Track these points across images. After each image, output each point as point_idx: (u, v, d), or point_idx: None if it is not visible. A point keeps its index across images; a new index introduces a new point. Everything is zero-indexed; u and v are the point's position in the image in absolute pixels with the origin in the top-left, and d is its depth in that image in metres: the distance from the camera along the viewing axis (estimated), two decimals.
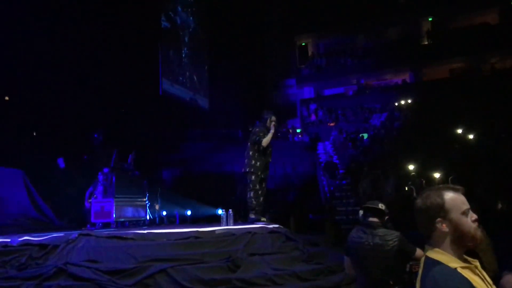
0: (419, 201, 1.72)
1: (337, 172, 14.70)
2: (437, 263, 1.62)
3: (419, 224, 1.73)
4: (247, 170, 7.28)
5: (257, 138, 7.23)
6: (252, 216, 7.18)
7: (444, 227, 1.65)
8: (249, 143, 7.40)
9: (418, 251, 3.29)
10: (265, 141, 7.22)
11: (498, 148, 12.45)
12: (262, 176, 7.39)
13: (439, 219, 1.65)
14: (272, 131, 7.29)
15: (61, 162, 9.65)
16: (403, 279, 3.25)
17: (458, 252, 1.65)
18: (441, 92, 19.46)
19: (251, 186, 7.29)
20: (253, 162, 7.26)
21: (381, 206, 3.48)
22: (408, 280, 3.22)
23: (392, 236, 3.31)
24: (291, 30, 27.60)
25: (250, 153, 7.30)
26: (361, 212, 3.66)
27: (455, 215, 1.65)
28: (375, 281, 3.27)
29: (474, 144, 13.75)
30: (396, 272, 3.27)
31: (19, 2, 11.09)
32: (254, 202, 7.26)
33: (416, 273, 3.18)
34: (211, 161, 18.30)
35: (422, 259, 1.71)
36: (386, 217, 3.52)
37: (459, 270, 1.58)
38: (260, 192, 7.33)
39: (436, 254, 1.65)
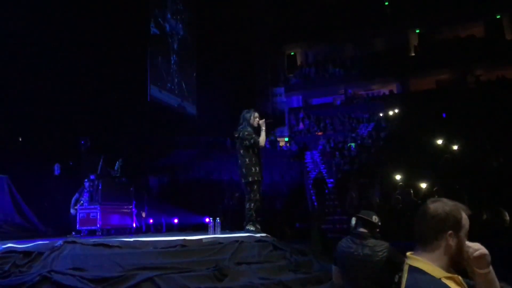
0: (433, 207, 1.70)
1: (326, 187, 14.46)
2: (422, 272, 1.63)
3: (424, 230, 1.71)
4: (250, 179, 6.60)
5: (252, 140, 6.60)
6: (251, 228, 6.63)
7: (450, 241, 1.66)
8: (241, 151, 6.71)
9: None
10: (262, 140, 6.65)
11: (483, 159, 12.62)
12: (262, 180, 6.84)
13: (451, 232, 1.67)
14: (263, 128, 6.72)
15: (57, 168, 9.53)
16: None
17: (448, 265, 1.67)
18: (428, 103, 19.72)
19: (251, 196, 6.68)
20: (253, 169, 6.62)
21: (375, 218, 3.49)
22: None
23: (381, 247, 3.32)
24: (280, 39, 27.81)
25: (246, 160, 6.64)
26: (353, 220, 3.65)
27: (463, 233, 1.69)
28: None
29: (459, 154, 13.92)
30: (384, 283, 3.29)
31: (6, 9, 11.00)
32: (254, 214, 6.70)
33: None
34: (198, 168, 18.28)
35: (406, 268, 1.72)
36: (377, 230, 3.52)
37: (444, 280, 1.60)
38: (257, 201, 6.78)
39: (421, 263, 1.66)
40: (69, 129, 11.84)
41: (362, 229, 3.47)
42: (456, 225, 1.67)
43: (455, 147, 14.42)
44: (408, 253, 1.76)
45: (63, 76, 12.74)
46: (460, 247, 1.67)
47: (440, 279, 1.60)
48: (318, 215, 12.06)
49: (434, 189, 10.01)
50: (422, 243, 1.71)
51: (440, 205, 1.71)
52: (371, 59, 25.81)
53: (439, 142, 15.17)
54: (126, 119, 15.62)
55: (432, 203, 1.73)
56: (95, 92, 13.81)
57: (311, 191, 14.41)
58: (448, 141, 14.95)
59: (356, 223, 3.57)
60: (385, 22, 25.15)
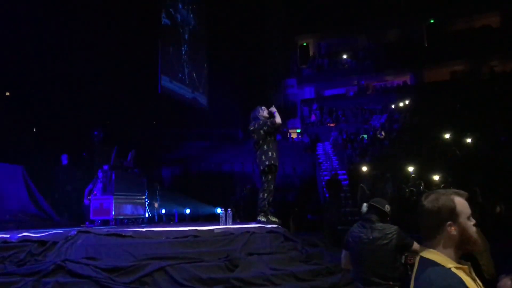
0: (427, 203, 1.72)
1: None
2: (432, 263, 1.64)
3: (425, 226, 1.73)
4: (267, 163, 6.73)
5: (269, 122, 6.80)
6: (262, 219, 6.72)
7: (452, 230, 1.67)
8: (260, 141, 6.86)
9: (415, 244, 3.35)
10: (277, 119, 6.85)
11: (497, 151, 12.47)
12: (277, 170, 6.95)
13: (449, 222, 1.67)
14: (275, 110, 6.90)
15: (64, 159, 9.64)
16: (398, 271, 3.30)
17: (457, 255, 1.68)
18: (441, 94, 19.48)
19: (265, 186, 6.82)
20: (270, 154, 6.77)
21: (387, 208, 3.52)
22: (403, 271, 3.26)
23: (390, 230, 3.37)
24: (292, 30, 27.62)
25: (265, 147, 6.80)
26: (364, 206, 3.67)
27: (463, 219, 1.68)
28: (372, 275, 3.31)
29: (473, 147, 13.77)
30: (392, 265, 3.33)
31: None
32: (266, 205, 6.80)
33: (411, 264, 3.22)
34: (210, 160, 18.35)
35: (417, 259, 1.73)
36: (388, 219, 3.53)
37: (453, 270, 1.61)
38: (272, 192, 6.87)
39: (431, 255, 1.67)
40: (83, 120, 11.95)
41: (372, 215, 3.50)
42: (451, 214, 1.68)
43: (469, 140, 14.25)
44: (422, 246, 1.77)
45: (76, 68, 12.82)
46: (465, 233, 1.67)
47: (449, 269, 1.61)
48: (329, 207, 11.99)
49: (442, 186, 9.90)
50: (427, 239, 1.73)
51: (431, 199, 1.72)
52: (385, 50, 25.53)
53: (453, 134, 15.00)
54: (139, 110, 15.69)
55: (425, 200, 1.74)
56: (108, 83, 13.88)
57: (325, 191, 14.03)
58: (462, 133, 14.78)
59: (368, 210, 3.59)
60: (399, 12, 24.80)
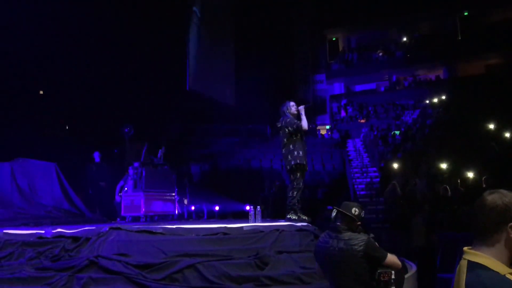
0: (493, 198, 1.61)
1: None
2: (484, 267, 1.54)
3: (483, 221, 1.61)
4: (292, 163, 6.58)
5: (294, 126, 6.60)
6: (293, 217, 6.59)
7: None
8: (285, 139, 6.72)
9: (390, 258, 3.06)
10: (304, 123, 6.67)
11: None
12: (306, 168, 6.82)
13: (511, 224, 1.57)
14: (302, 113, 6.72)
15: (96, 156, 9.81)
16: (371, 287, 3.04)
17: (508, 261, 1.58)
18: (476, 88, 18.91)
19: (295, 184, 6.66)
20: (296, 153, 6.58)
21: (354, 211, 3.22)
22: None
23: (357, 241, 3.06)
24: (321, 25, 27.29)
25: (290, 146, 6.64)
26: (334, 212, 3.35)
27: None
28: None
29: (509, 142, 13.30)
30: (363, 279, 3.04)
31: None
32: (296, 203, 6.66)
33: (386, 281, 3.03)
34: (239, 156, 18.38)
35: (464, 263, 1.61)
36: (358, 223, 3.24)
37: (508, 276, 1.51)
38: (301, 189, 6.74)
39: (481, 259, 1.57)
40: (113, 117, 12.15)
41: (339, 223, 3.23)
42: None
43: (506, 135, 13.77)
44: (465, 248, 1.66)
45: (108, 68, 13.04)
46: None
47: (504, 275, 1.51)
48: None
49: (483, 178, 9.56)
50: (481, 237, 1.61)
51: (498, 196, 1.61)
52: (417, 44, 24.97)
53: (489, 129, 14.52)
54: (168, 107, 15.86)
55: (489, 195, 1.63)
56: (138, 80, 14.08)
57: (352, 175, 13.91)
58: (498, 128, 14.29)
59: (335, 216, 3.31)
60: (431, 4, 24.15)
